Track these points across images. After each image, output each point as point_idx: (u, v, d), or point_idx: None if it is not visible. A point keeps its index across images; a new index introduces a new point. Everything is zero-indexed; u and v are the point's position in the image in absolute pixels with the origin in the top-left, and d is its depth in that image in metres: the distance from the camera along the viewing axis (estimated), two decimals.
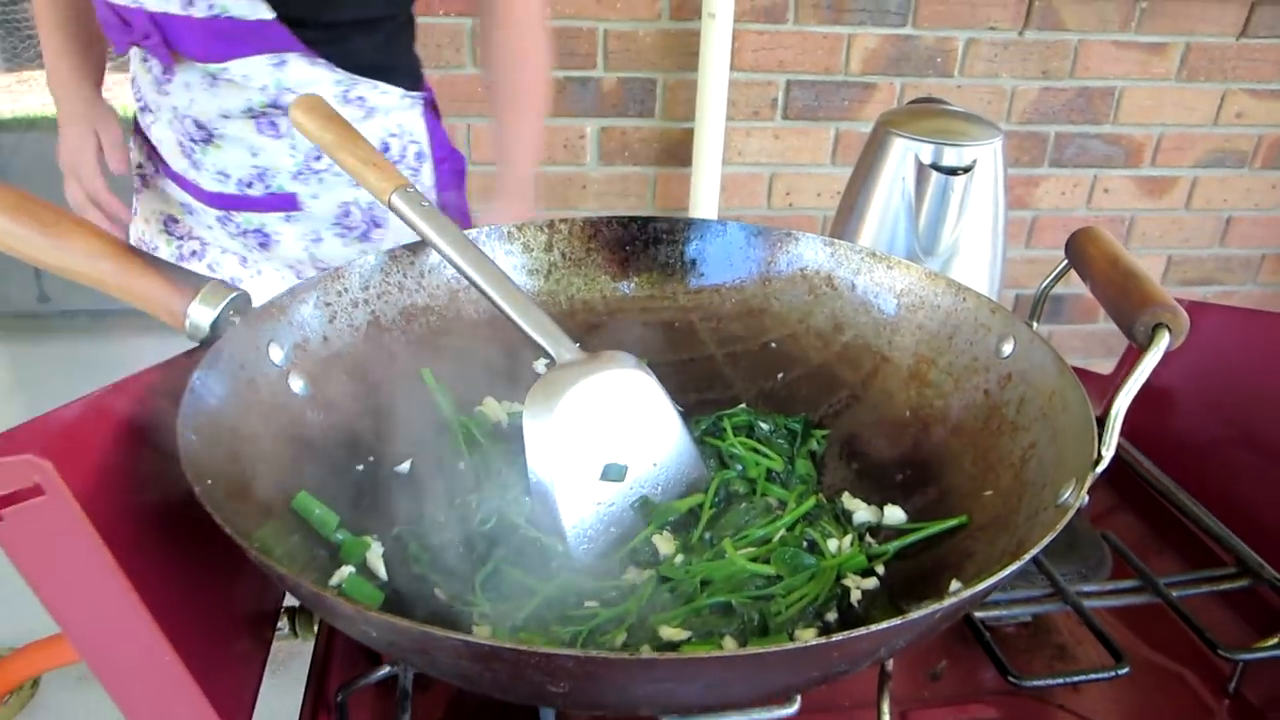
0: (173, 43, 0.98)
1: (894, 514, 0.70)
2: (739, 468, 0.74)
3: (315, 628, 0.70)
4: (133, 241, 1.20)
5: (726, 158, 2.03)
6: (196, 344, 0.64)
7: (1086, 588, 0.73)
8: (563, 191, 2.06)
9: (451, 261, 0.70)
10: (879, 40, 1.97)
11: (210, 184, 1.09)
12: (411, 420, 0.75)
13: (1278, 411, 0.83)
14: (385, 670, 0.63)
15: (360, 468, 0.70)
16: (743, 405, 0.82)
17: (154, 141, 1.11)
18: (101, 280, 0.62)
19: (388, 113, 1.09)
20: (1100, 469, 0.56)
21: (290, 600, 0.70)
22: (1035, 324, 0.72)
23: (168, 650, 0.46)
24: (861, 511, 0.71)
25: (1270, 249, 2.35)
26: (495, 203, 1.16)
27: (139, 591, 0.45)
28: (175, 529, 0.54)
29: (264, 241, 1.12)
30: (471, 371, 0.79)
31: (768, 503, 0.70)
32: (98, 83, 1.19)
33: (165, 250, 1.17)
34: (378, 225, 1.14)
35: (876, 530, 0.71)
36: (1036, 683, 0.65)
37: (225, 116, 1.03)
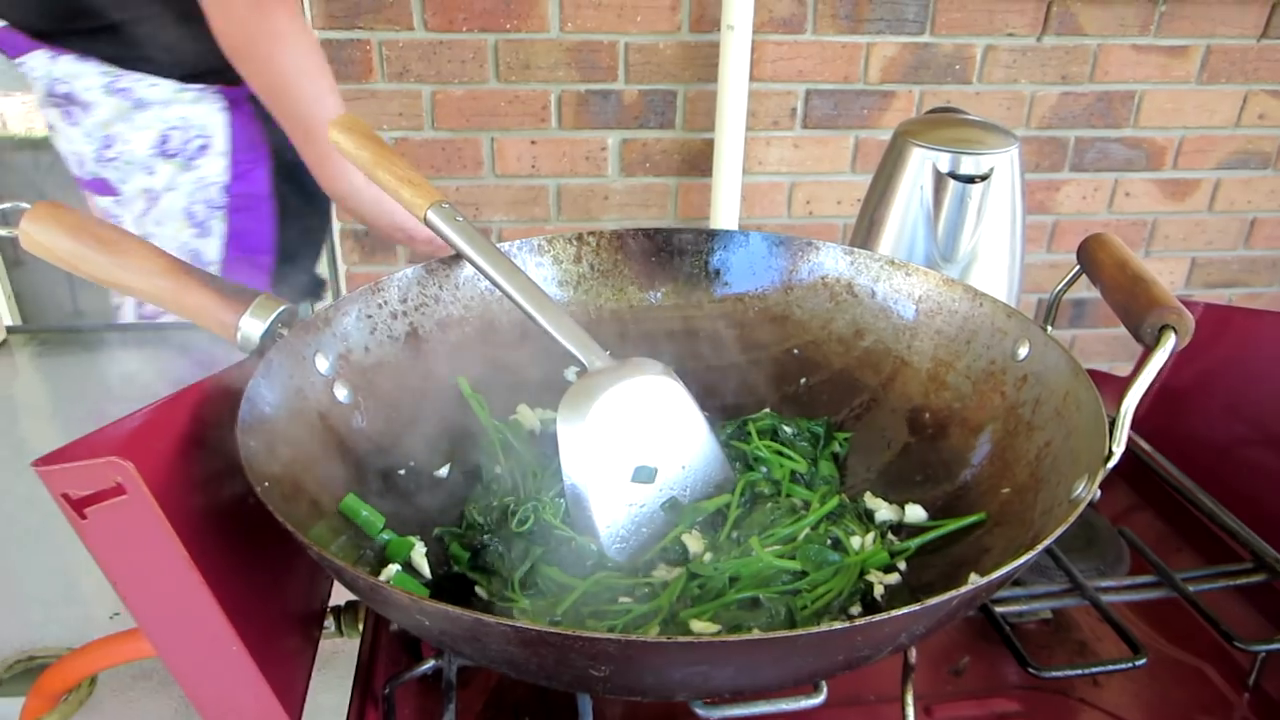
0: None
1: (915, 512, 0.72)
2: (764, 469, 0.76)
3: (360, 625, 0.73)
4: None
5: (747, 167, 2.05)
6: (245, 355, 0.66)
7: (1105, 583, 0.74)
8: (585, 203, 2.09)
9: (486, 275, 0.72)
10: (897, 48, 1.98)
11: (74, 168, 1.21)
12: (450, 427, 0.78)
13: None
14: (430, 664, 0.66)
15: (402, 472, 0.73)
16: (767, 409, 0.84)
17: None
18: (159, 295, 0.64)
19: (166, 105, 1.14)
20: (1111, 464, 0.58)
21: (336, 600, 0.74)
22: (1049, 328, 0.74)
23: (235, 640, 0.49)
24: (883, 510, 0.73)
25: None
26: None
27: (209, 586, 0.48)
28: (233, 529, 0.57)
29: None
30: (505, 379, 0.82)
31: (792, 503, 0.72)
32: None
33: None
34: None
35: (898, 528, 0.73)
36: (1055, 673, 0.66)
37: (41, 105, 1.16)
